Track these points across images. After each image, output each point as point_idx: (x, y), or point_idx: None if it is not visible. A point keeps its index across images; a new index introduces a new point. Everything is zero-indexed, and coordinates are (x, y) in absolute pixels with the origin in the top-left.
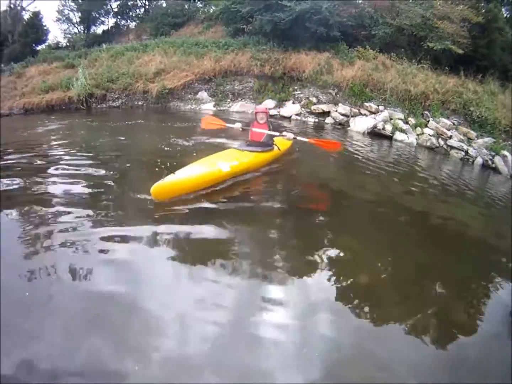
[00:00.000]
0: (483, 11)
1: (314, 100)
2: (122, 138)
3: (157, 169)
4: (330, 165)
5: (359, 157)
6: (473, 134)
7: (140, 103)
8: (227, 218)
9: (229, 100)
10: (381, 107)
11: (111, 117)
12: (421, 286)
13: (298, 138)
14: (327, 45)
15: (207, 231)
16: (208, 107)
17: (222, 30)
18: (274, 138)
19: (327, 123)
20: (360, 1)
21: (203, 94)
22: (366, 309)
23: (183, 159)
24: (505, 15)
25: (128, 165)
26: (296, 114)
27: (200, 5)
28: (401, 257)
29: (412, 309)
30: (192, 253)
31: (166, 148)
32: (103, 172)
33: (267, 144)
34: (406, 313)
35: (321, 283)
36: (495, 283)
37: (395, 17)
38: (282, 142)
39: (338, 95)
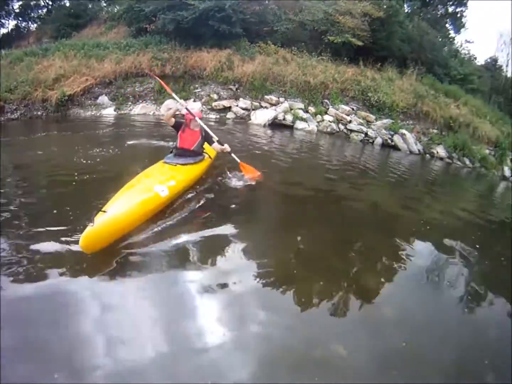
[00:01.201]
0: (385, 6)
1: (215, 96)
2: (31, 153)
3: (76, 190)
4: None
5: (262, 147)
6: (372, 117)
7: (39, 112)
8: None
9: (130, 103)
10: (281, 99)
11: (12, 131)
12: (331, 260)
13: (232, 154)
14: (229, 42)
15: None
16: (109, 112)
17: (124, 31)
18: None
19: (229, 118)
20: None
21: (103, 99)
22: (281, 288)
23: (108, 173)
24: (406, 10)
25: (42, 192)
26: None
27: (104, 4)
28: (309, 236)
29: (327, 282)
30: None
31: (84, 161)
32: (8, 208)
33: (199, 153)
34: (320, 287)
35: (233, 267)
36: (403, 250)
37: (298, 13)
38: (210, 149)
39: (239, 90)
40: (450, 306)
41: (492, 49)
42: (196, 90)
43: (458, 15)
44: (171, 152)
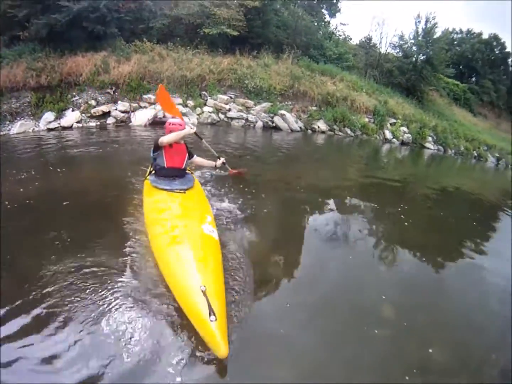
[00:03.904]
0: None
1: (93, 103)
2: None
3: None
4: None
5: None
6: (250, 103)
7: None
8: None
9: (7, 123)
10: None
11: None
12: None
13: (226, 165)
14: (104, 44)
15: None
16: None
17: None
18: None
19: (109, 124)
20: None
21: None
22: None
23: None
24: None
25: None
26: (77, 122)
27: None
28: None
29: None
30: None
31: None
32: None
33: (186, 171)
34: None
35: None
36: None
37: (173, 8)
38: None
39: (116, 93)
40: (348, 252)
41: (367, 29)
42: (74, 99)
43: (334, 0)
44: (152, 172)
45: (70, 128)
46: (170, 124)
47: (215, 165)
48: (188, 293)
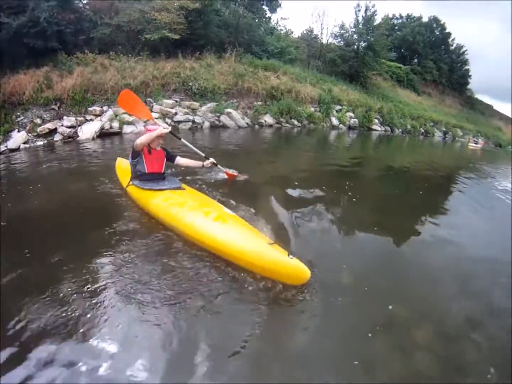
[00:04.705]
0: None
1: (39, 121)
2: None
3: None
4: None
5: (91, 162)
6: (196, 104)
7: None
8: None
9: None
10: (105, 108)
11: None
12: None
13: (218, 166)
14: (45, 59)
15: None
16: None
17: None
18: None
19: (57, 141)
20: (80, 5)
21: None
22: None
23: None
24: None
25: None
26: (24, 143)
27: None
28: None
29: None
30: None
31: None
32: None
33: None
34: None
35: None
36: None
37: (114, 16)
38: None
39: (61, 109)
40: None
41: (308, 22)
42: (19, 119)
43: None
44: (134, 178)
45: (17, 150)
46: (147, 130)
47: (203, 165)
48: (261, 250)
